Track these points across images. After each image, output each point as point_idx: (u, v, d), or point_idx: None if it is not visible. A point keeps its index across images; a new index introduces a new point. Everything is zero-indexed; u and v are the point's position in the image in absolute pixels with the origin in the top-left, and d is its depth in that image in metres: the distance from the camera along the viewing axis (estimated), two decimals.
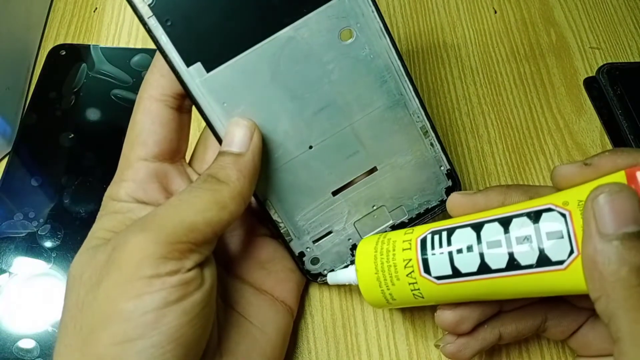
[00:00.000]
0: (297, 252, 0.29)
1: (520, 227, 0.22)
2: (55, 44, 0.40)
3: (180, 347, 0.21)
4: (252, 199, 0.27)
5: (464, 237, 0.24)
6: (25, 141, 0.36)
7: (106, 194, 0.25)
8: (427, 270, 0.24)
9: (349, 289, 0.32)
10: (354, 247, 0.30)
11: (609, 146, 0.38)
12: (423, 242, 0.25)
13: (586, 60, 0.42)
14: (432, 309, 0.32)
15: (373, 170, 0.29)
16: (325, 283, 0.32)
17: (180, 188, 0.26)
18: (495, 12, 0.44)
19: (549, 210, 0.22)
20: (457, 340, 0.26)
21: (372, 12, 0.26)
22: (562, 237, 0.21)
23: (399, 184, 0.30)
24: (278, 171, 0.27)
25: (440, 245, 0.24)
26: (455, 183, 0.31)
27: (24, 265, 0.32)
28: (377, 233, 0.30)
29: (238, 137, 0.25)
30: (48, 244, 0.32)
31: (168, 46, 0.24)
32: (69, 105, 0.37)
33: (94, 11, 0.42)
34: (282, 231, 0.29)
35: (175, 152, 0.26)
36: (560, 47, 0.43)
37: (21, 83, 0.38)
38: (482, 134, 0.38)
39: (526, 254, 0.22)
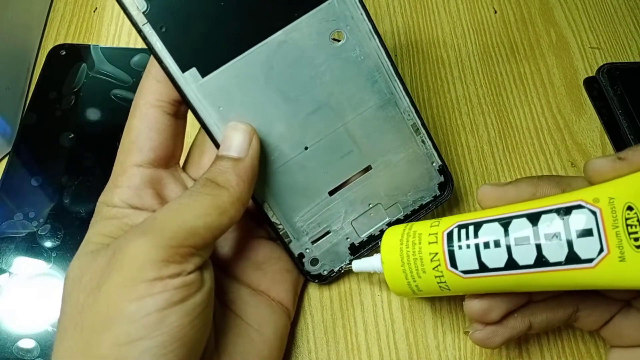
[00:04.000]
0: (296, 253, 0.30)
1: (550, 223, 0.22)
2: (55, 44, 0.40)
3: (183, 347, 0.21)
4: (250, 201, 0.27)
5: (491, 232, 0.23)
6: (25, 141, 0.36)
7: (100, 199, 0.25)
8: (453, 264, 0.24)
9: (349, 289, 0.32)
10: (352, 246, 0.31)
11: (609, 146, 0.38)
12: (449, 236, 0.25)
13: (586, 60, 0.42)
14: (432, 308, 0.32)
15: (368, 169, 0.29)
16: (325, 284, 0.32)
17: (175, 194, 0.26)
18: (495, 12, 0.44)
19: (579, 207, 0.22)
20: (486, 328, 0.26)
21: (361, 14, 0.26)
22: (592, 235, 0.21)
23: (393, 182, 0.30)
24: (275, 173, 0.27)
25: (467, 240, 0.24)
26: (447, 179, 0.31)
27: (24, 265, 0.32)
28: (375, 230, 0.31)
29: (237, 141, 0.25)
30: (48, 244, 0.33)
31: (163, 52, 0.24)
32: (69, 105, 0.37)
33: (94, 11, 0.42)
34: (281, 233, 0.29)
35: (170, 158, 0.26)
36: (560, 47, 0.43)
37: (21, 83, 0.38)
38: (482, 134, 0.38)
39: (555, 251, 0.22)
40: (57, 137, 0.36)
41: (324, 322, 0.31)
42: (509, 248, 0.23)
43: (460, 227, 0.25)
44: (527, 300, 0.26)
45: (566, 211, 0.22)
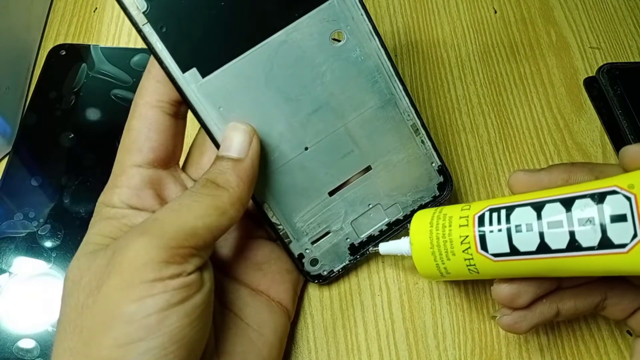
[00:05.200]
0: (296, 253, 0.30)
1: (583, 208, 0.22)
2: (55, 44, 0.40)
3: (183, 349, 0.21)
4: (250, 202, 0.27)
5: (523, 216, 0.24)
6: (25, 141, 0.36)
7: (99, 200, 0.25)
8: (484, 247, 0.24)
9: (349, 289, 0.32)
10: (352, 247, 0.31)
11: (609, 146, 0.38)
12: (481, 219, 0.25)
13: (586, 60, 0.42)
14: (432, 308, 0.32)
15: (367, 169, 0.29)
16: (325, 284, 0.32)
17: (174, 195, 0.26)
18: (495, 12, 0.44)
19: (613, 192, 0.22)
20: (514, 313, 0.26)
21: (362, 15, 0.27)
22: (626, 221, 0.21)
23: (393, 182, 0.30)
24: (275, 173, 0.27)
25: (499, 223, 0.24)
26: (446, 179, 0.31)
27: (24, 265, 0.32)
28: (374, 230, 0.31)
29: (237, 142, 0.25)
30: (48, 244, 0.33)
31: (163, 53, 0.24)
32: (69, 105, 0.37)
33: (94, 11, 0.42)
34: (281, 233, 0.29)
35: (170, 158, 0.26)
36: (560, 47, 0.43)
37: (21, 83, 0.38)
38: (482, 134, 0.38)
39: (588, 236, 0.22)
40: (57, 137, 0.36)
41: (324, 322, 0.31)
42: (541, 232, 0.23)
43: (491, 210, 0.25)
44: (556, 286, 0.26)
45: (600, 197, 0.22)
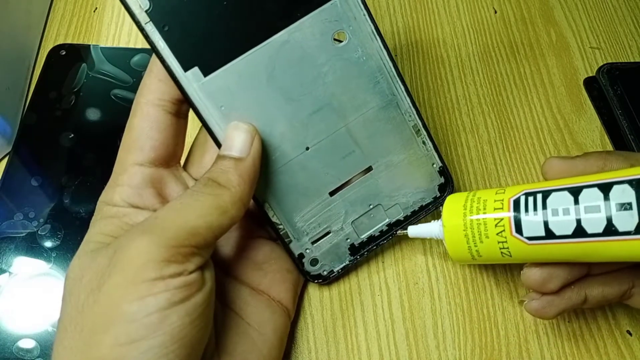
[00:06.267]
0: (296, 253, 0.30)
1: (622, 193, 0.22)
2: (55, 44, 0.40)
3: (184, 348, 0.21)
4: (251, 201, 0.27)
5: (560, 200, 0.24)
6: (25, 141, 0.36)
7: (100, 198, 0.25)
8: (518, 230, 0.25)
9: (349, 289, 0.32)
10: (352, 247, 0.31)
11: (609, 146, 0.38)
12: (516, 202, 0.25)
13: (586, 60, 0.42)
14: (432, 307, 0.32)
15: (368, 169, 0.29)
16: (325, 284, 0.32)
17: (175, 193, 0.26)
18: (495, 11, 0.44)
19: None
20: (543, 297, 0.27)
21: (364, 15, 0.27)
22: None
23: (394, 183, 0.30)
24: (276, 173, 0.27)
25: (535, 207, 0.25)
26: (447, 180, 0.31)
27: (24, 265, 0.32)
28: (375, 231, 0.31)
29: (238, 141, 0.25)
30: (48, 244, 0.33)
31: (165, 51, 0.24)
32: (69, 105, 0.37)
33: (94, 11, 0.42)
34: (281, 233, 0.29)
35: (171, 157, 0.26)
36: (560, 47, 0.43)
37: (21, 83, 0.38)
38: (482, 134, 0.38)
39: (625, 221, 0.22)
40: (57, 137, 0.36)
41: (324, 322, 0.31)
42: (578, 216, 0.23)
43: (527, 194, 0.25)
44: (585, 272, 0.26)
45: (638, 183, 0.22)
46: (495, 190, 0.27)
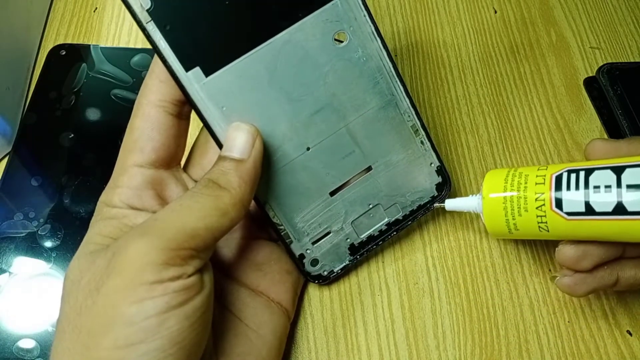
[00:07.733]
0: (297, 254, 0.30)
1: None
2: (55, 44, 0.40)
3: (182, 351, 0.21)
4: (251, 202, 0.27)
5: (603, 178, 0.24)
6: (25, 141, 0.36)
7: (100, 199, 0.25)
8: (559, 205, 0.25)
9: (349, 289, 0.32)
10: (352, 247, 0.31)
11: None
12: (558, 178, 0.26)
13: (586, 60, 0.42)
14: (432, 307, 0.32)
15: (368, 169, 0.29)
16: (325, 284, 0.32)
17: (175, 195, 0.26)
18: (495, 11, 0.44)
19: None
20: (575, 275, 0.27)
21: (364, 16, 0.27)
22: None
23: (393, 182, 0.30)
24: (277, 173, 0.27)
25: (577, 184, 0.25)
26: (445, 179, 0.31)
27: (24, 265, 0.32)
28: (374, 230, 0.31)
29: (239, 142, 0.25)
30: (48, 244, 0.33)
31: (167, 51, 0.24)
32: (69, 105, 0.37)
33: (94, 11, 0.42)
34: (282, 234, 0.29)
35: (172, 158, 0.26)
36: (560, 47, 0.43)
37: (21, 83, 0.38)
38: (482, 134, 0.38)
39: None
40: (57, 137, 0.36)
41: (324, 322, 0.31)
42: (619, 193, 0.24)
43: (570, 171, 0.26)
44: (620, 254, 0.27)
45: None
46: (537, 167, 0.28)
